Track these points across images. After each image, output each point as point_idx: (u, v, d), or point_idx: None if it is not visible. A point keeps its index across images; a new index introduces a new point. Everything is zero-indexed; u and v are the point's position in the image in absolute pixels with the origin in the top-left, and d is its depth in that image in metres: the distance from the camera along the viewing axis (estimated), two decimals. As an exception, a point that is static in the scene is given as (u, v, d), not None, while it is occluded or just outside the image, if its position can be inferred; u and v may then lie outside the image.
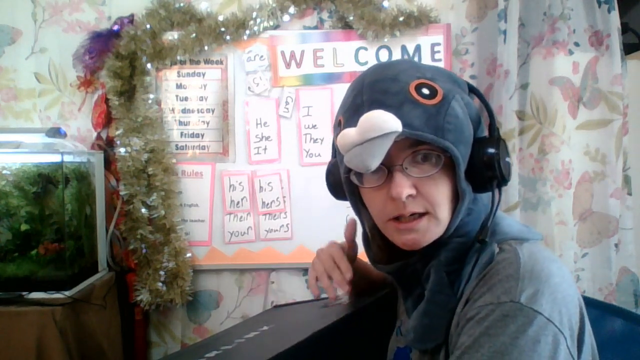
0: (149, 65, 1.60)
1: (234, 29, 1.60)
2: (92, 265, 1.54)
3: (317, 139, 1.64)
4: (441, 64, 1.63)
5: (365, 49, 1.63)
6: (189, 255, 1.62)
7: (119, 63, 1.57)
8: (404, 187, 0.63)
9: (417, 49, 1.63)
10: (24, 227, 1.36)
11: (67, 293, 1.32)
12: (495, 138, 0.66)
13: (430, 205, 0.65)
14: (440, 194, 0.64)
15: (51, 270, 1.37)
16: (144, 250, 1.58)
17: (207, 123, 1.66)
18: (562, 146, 1.52)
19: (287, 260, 1.65)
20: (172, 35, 1.61)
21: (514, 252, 0.63)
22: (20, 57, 1.66)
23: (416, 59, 1.63)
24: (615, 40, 1.51)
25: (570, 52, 1.54)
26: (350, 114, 0.66)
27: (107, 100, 1.60)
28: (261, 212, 1.65)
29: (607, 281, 1.55)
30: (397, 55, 1.63)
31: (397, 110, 0.61)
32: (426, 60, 1.63)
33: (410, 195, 0.64)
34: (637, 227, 1.58)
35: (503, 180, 0.65)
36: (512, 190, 1.50)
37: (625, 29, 1.56)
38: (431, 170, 0.63)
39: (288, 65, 1.64)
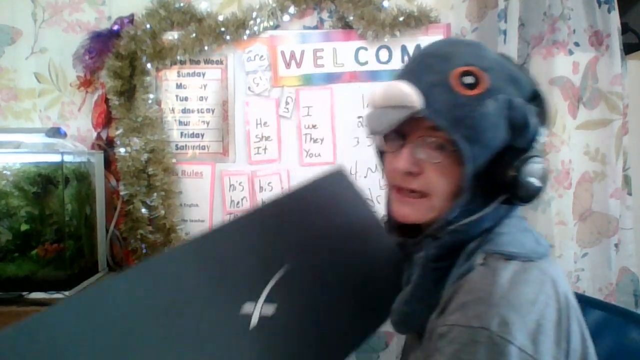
0: (149, 65, 1.60)
1: (234, 29, 1.60)
2: (92, 265, 1.54)
3: (317, 139, 1.64)
4: (441, 64, 1.63)
5: (365, 49, 1.63)
6: (189, 255, 1.61)
7: (119, 63, 1.57)
8: (405, 163, 0.65)
9: (417, 49, 1.63)
10: (24, 227, 1.36)
11: (67, 293, 1.32)
12: (525, 154, 0.62)
13: (429, 189, 0.65)
14: (443, 183, 0.64)
15: (51, 271, 1.36)
16: (144, 250, 1.58)
17: (207, 123, 1.66)
18: (562, 146, 1.52)
19: (287, 260, 1.65)
20: (172, 35, 1.61)
21: (493, 271, 0.60)
22: (20, 57, 1.66)
23: (416, 59, 1.63)
24: (615, 40, 1.51)
25: (570, 52, 1.54)
26: (397, 74, 0.67)
27: (107, 100, 1.60)
28: (261, 212, 1.65)
29: (607, 281, 1.55)
30: (397, 56, 1.62)
31: (428, 89, 0.61)
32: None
33: (411, 173, 0.65)
34: (637, 227, 1.58)
35: (514, 197, 0.63)
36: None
37: (625, 29, 1.56)
38: (438, 158, 0.63)
39: (288, 65, 1.64)
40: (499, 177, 0.62)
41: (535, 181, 0.63)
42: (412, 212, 0.68)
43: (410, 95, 0.60)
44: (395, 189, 0.69)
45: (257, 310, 0.73)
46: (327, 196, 0.95)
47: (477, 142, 0.61)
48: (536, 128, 0.65)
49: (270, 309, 0.74)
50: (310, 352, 0.75)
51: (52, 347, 0.61)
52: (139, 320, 0.66)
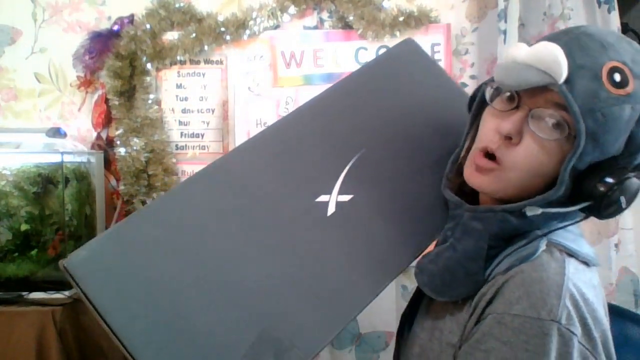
0: (149, 65, 1.60)
1: (234, 29, 1.60)
2: (92, 265, 1.54)
3: (317, 139, 1.64)
4: (441, 64, 1.63)
5: (365, 49, 1.63)
6: (189, 255, 1.61)
7: (119, 63, 1.57)
8: (511, 126, 0.62)
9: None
10: (24, 227, 1.36)
11: (67, 293, 1.32)
12: (625, 173, 0.60)
13: (513, 163, 0.63)
14: (535, 162, 0.62)
15: (51, 271, 1.37)
16: (144, 250, 1.58)
17: (207, 123, 1.66)
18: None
19: (287, 260, 1.65)
20: (172, 35, 1.61)
21: (560, 264, 0.61)
22: (20, 57, 1.66)
23: (416, 59, 1.63)
24: (615, 41, 1.51)
25: (570, 52, 1.54)
26: (545, 39, 0.64)
27: (107, 100, 1.60)
28: (261, 212, 1.65)
29: (607, 281, 1.55)
30: (397, 55, 1.63)
31: (576, 68, 0.58)
32: (426, 60, 1.63)
33: (509, 138, 0.62)
34: (637, 227, 1.58)
35: (596, 210, 0.62)
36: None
37: (625, 29, 1.56)
38: (547, 135, 0.60)
39: (288, 65, 1.64)
40: (590, 186, 0.60)
41: (623, 202, 0.62)
42: (489, 183, 0.66)
43: (562, 66, 0.58)
44: (480, 154, 0.66)
45: (334, 197, 0.72)
46: (401, 67, 0.88)
47: (595, 140, 0.59)
48: None
49: (347, 197, 0.73)
50: (389, 238, 0.73)
51: (132, 258, 0.64)
52: (215, 220, 0.66)
